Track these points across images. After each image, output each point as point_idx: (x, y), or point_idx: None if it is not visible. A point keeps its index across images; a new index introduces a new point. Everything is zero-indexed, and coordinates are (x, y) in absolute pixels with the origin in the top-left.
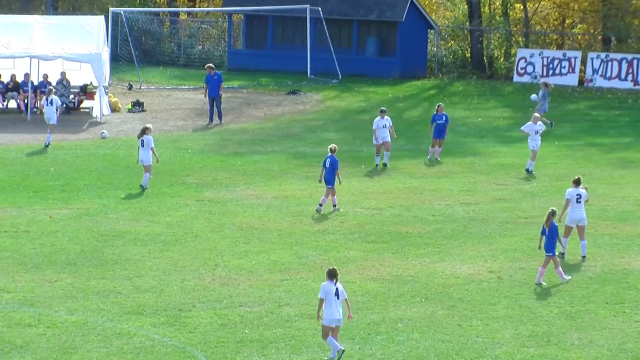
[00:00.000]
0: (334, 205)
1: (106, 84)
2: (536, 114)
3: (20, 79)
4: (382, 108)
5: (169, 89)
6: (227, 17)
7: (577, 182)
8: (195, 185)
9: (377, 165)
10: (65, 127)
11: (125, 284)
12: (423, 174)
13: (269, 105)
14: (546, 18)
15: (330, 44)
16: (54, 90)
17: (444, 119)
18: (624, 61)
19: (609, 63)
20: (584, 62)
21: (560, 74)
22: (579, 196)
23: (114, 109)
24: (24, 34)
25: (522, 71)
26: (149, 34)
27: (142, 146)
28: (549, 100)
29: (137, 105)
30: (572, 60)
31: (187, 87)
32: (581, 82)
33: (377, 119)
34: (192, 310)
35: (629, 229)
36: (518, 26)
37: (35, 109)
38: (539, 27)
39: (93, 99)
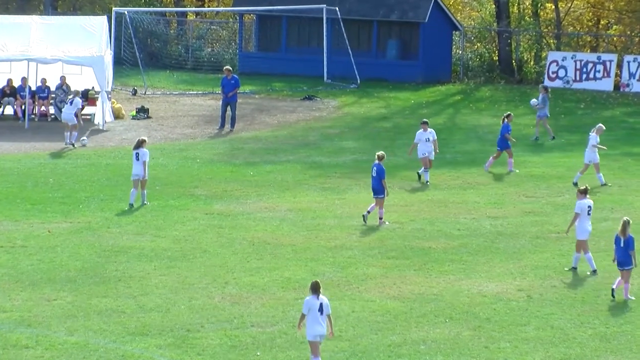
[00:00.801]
0: (380, 219)
1: (109, 89)
2: (600, 125)
3: (17, 83)
4: (424, 120)
5: (176, 95)
6: (238, 17)
7: (585, 192)
8: (204, 197)
9: (426, 181)
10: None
11: (129, 302)
12: (447, 185)
13: (282, 111)
14: (579, 19)
15: (349, 47)
16: (79, 92)
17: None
18: None
19: None
20: (619, 66)
21: (595, 78)
22: (589, 208)
23: (117, 115)
24: (21, 36)
25: (554, 75)
26: (154, 36)
27: (137, 159)
28: (549, 104)
29: (142, 112)
30: (607, 63)
31: (195, 92)
32: (617, 87)
33: (419, 131)
34: (201, 331)
35: None
36: (549, 27)
37: (33, 116)
38: (571, 28)
39: (95, 105)
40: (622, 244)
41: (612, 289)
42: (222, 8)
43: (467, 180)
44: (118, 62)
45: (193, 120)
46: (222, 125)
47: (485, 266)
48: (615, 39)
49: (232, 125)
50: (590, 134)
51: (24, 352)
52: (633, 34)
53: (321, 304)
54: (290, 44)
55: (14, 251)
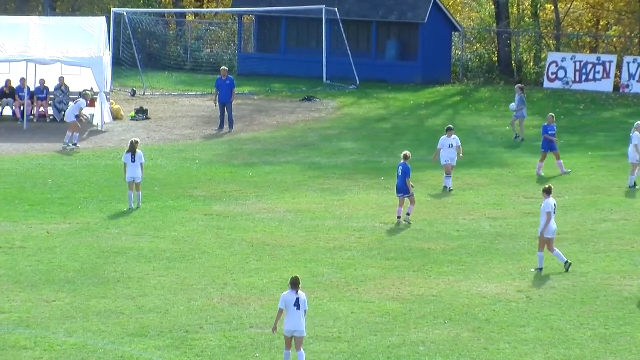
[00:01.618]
0: (407, 215)
1: (108, 90)
2: (638, 123)
3: (16, 84)
4: (449, 126)
5: (175, 96)
6: (237, 18)
7: (549, 192)
8: (203, 198)
9: (449, 189)
10: (64, 136)
11: (128, 303)
12: None
13: (282, 112)
14: (579, 19)
15: (348, 48)
16: (89, 94)
17: (555, 130)
18: None
19: None
20: (619, 67)
21: (594, 79)
22: (555, 207)
23: (116, 116)
24: (20, 37)
25: (553, 76)
26: (153, 37)
27: (133, 162)
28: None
29: (141, 113)
30: (607, 64)
31: (194, 93)
32: (616, 88)
33: (443, 137)
34: (200, 332)
35: None
36: (549, 28)
37: (31, 117)
38: (571, 29)
39: (94, 106)
40: None
41: None
42: (221, 9)
43: (467, 181)
44: (117, 63)
45: (192, 121)
46: (221, 126)
47: (485, 267)
48: (614, 40)
49: (231, 126)
50: (632, 133)
51: (22, 353)
52: (633, 35)
53: (298, 299)
54: (289, 45)
55: (13, 252)
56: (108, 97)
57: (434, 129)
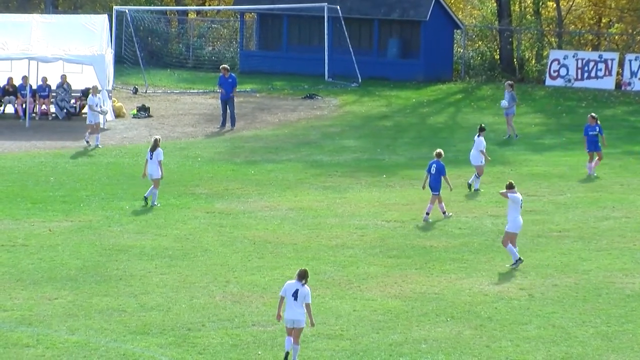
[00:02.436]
0: (444, 212)
1: (110, 88)
2: None
3: (18, 82)
4: (482, 125)
5: (176, 93)
6: (239, 16)
7: (512, 187)
8: (205, 196)
9: (477, 189)
10: (66, 134)
11: (130, 301)
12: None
13: (283, 110)
14: (581, 17)
15: (350, 45)
16: (97, 89)
17: (598, 129)
18: None
19: None
20: (621, 64)
21: (596, 77)
22: (521, 201)
23: (118, 114)
24: (22, 35)
25: (555, 74)
26: (155, 34)
27: (151, 159)
28: (516, 103)
29: (143, 111)
30: (609, 62)
31: (196, 91)
32: (618, 85)
33: (479, 137)
34: (202, 330)
35: None
36: (551, 26)
37: (33, 114)
38: (573, 26)
39: None
40: None
41: None
42: (223, 6)
43: (468, 178)
44: (119, 60)
45: (194, 119)
46: (223, 124)
47: (487, 265)
48: (616, 37)
49: (233, 123)
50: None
51: (24, 351)
52: (635, 32)
53: (297, 291)
54: (291, 43)
55: (15, 250)
56: (110, 94)
57: (435, 127)
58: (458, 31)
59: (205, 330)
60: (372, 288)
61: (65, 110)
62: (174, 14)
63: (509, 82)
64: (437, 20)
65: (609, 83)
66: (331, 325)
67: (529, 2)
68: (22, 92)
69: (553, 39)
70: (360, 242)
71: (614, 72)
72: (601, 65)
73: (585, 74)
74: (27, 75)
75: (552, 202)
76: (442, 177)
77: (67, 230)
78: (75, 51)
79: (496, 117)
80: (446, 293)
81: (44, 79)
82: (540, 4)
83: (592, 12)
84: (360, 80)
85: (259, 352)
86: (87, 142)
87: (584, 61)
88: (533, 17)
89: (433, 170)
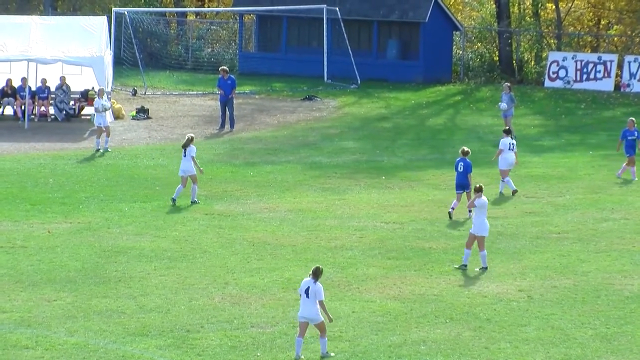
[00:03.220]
0: (470, 211)
1: (109, 90)
2: None
3: (17, 83)
4: (507, 128)
5: (175, 95)
6: (238, 17)
7: (480, 190)
8: (204, 197)
9: (501, 192)
10: (65, 136)
11: (129, 303)
12: (448, 185)
13: (283, 112)
14: (580, 19)
15: (349, 47)
16: (104, 91)
17: (636, 134)
18: None
19: None
20: (620, 66)
21: (595, 78)
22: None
23: (117, 116)
24: (21, 36)
25: (554, 76)
26: (154, 36)
27: (185, 156)
28: (515, 104)
29: (142, 112)
30: (608, 64)
31: (195, 92)
32: (617, 87)
33: (504, 138)
34: (201, 332)
35: None
36: (550, 27)
37: (32, 116)
38: (572, 28)
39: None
40: None
41: None
42: (222, 8)
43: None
44: (118, 62)
45: (193, 121)
46: (222, 125)
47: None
48: (615, 39)
49: (232, 125)
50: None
51: (24, 352)
52: (634, 34)
53: (308, 288)
54: (290, 44)
55: (14, 251)
56: (109, 96)
57: (434, 128)
58: (457, 33)
59: (204, 331)
60: (371, 289)
61: (64, 112)
62: (173, 15)
63: (507, 83)
64: (436, 22)
65: (608, 85)
66: (330, 327)
67: (528, 3)
68: (21, 93)
69: (552, 41)
70: (359, 243)
71: (613, 74)
72: (600, 67)
73: (585, 76)
74: (26, 76)
75: (551, 204)
76: (468, 175)
77: (66, 232)
78: (75, 53)
79: (495, 119)
80: (445, 294)
81: (43, 81)
82: (540, 5)
83: (591, 13)
84: (359, 81)
85: (258, 354)
86: (98, 148)
87: (583, 63)
88: (532, 19)
89: (461, 169)
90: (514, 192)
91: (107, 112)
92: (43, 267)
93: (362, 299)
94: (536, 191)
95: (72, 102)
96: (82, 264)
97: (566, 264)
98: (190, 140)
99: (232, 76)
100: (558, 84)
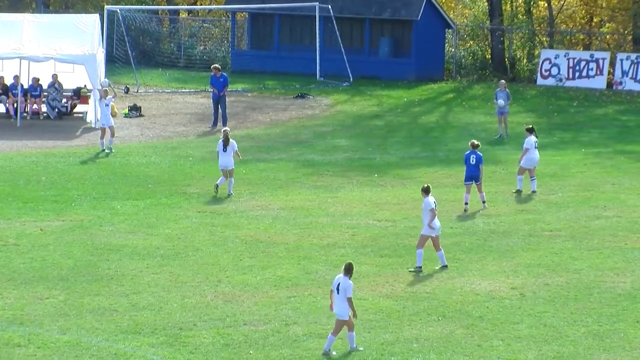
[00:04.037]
0: (484, 202)
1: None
2: None
3: (9, 81)
4: (531, 126)
5: (168, 93)
6: (230, 15)
7: (427, 191)
8: (196, 195)
9: (519, 190)
10: (57, 134)
11: (121, 301)
12: (440, 183)
13: (275, 109)
14: (572, 16)
15: (341, 45)
16: (107, 89)
17: None
18: None
19: None
20: (612, 64)
21: (588, 76)
22: (435, 204)
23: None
24: (13, 34)
25: (547, 73)
26: (147, 34)
27: (225, 151)
28: (510, 102)
29: (134, 110)
30: (600, 61)
31: (187, 90)
32: (610, 85)
33: (530, 137)
34: (193, 330)
35: None
36: (542, 25)
37: (25, 114)
38: (564, 26)
39: (87, 103)
40: None
41: None
42: (214, 6)
43: (460, 178)
44: (110, 60)
45: (185, 119)
46: (215, 123)
47: (478, 264)
48: (608, 36)
49: (224, 123)
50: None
51: (16, 350)
52: (626, 32)
53: (338, 284)
54: (282, 42)
55: (6, 249)
56: (114, 96)
57: (427, 126)
58: (449, 30)
59: (197, 329)
60: (363, 287)
61: (56, 110)
62: (165, 13)
63: (503, 81)
64: (428, 20)
65: (600, 82)
66: (323, 325)
67: (520, 1)
68: (14, 91)
69: (544, 39)
70: (352, 241)
71: (606, 72)
72: (592, 65)
73: (577, 74)
74: (18, 74)
75: (544, 202)
76: (480, 166)
77: (59, 230)
78: (67, 50)
79: (487, 117)
80: (438, 292)
81: (35, 80)
82: (532, 3)
83: (583, 11)
84: (351, 79)
85: (251, 352)
86: (103, 149)
87: (576, 60)
88: (524, 17)
89: (473, 161)
90: (519, 191)
91: (109, 111)
92: (35, 265)
93: (355, 296)
94: (528, 189)
95: (64, 100)
96: (74, 262)
97: (558, 261)
98: (228, 135)
99: (225, 74)
100: (550, 81)
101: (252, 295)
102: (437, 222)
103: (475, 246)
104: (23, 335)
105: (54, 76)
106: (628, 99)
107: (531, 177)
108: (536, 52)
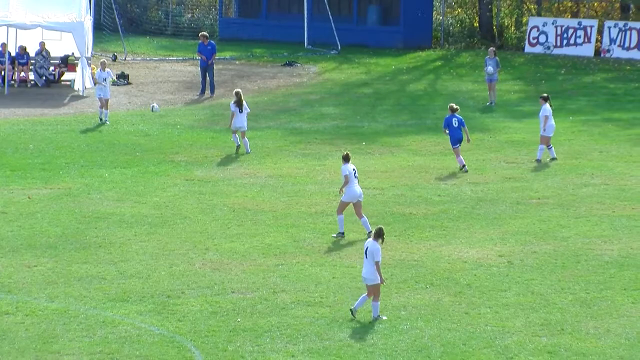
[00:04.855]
0: (465, 164)
1: (89, 55)
2: None
3: None
4: (546, 95)
5: (156, 61)
6: None
7: (347, 159)
8: (184, 163)
9: (539, 160)
10: (45, 101)
11: (109, 269)
12: (428, 151)
13: (263, 77)
14: None
15: (329, 12)
16: (106, 63)
17: None
18: None
19: (628, 32)
20: (600, 32)
21: (575, 44)
22: (355, 171)
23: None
24: (0, 2)
25: (534, 41)
26: (134, 1)
27: (241, 112)
28: (499, 69)
29: (122, 78)
30: (588, 29)
31: (175, 58)
32: (597, 52)
33: (545, 104)
34: (181, 297)
35: None
36: None
37: (12, 82)
38: None
39: (75, 71)
40: None
41: None
42: None
43: (448, 146)
44: (98, 27)
45: (173, 87)
46: (203, 91)
47: (466, 232)
48: (595, 4)
49: (212, 91)
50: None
51: (4, 318)
52: None
53: (367, 248)
54: (270, 10)
55: None
56: (89, 62)
57: (415, 94)
58: None
59: (185, 297)
60: (351, 255)
61: (44, 78)
62: None
63: (492, 48)
64: None
65: (588, 50)
66: (311, 293)
67: None
68: (1, 59)
69: (532, 6)
70: None
71: (593, 39)
72: (580, 32)
73: (565, 41)
74: (5, 42)
75: (531, 169)
76: (463, 129)
77: (47, 198)
78: (54, 18)
79: (475, 84)
80: (425, 260)
81: (22, 47)
82: None
83: None
84: (339, 47)
85: (239, 320)
86: (101, 118)
87: (563, 28)
88: None
89: (455, 124)
90: (539, 161)
91: (108, 83)
92: (23, 233)
93: (343, 264)
94: (516, 157)
95: (52, 68)
96: (62, 230)
97: (546, 229)
98: (241, 97)
99: (212, 42)
100: (538, 49)
101: (240, 263)
102: (357, 189)
103: (463, 214)
104: (11, 303)
105: (42, 44)
106: (616, 66)
107: (548, 146)
108: (524, 20)
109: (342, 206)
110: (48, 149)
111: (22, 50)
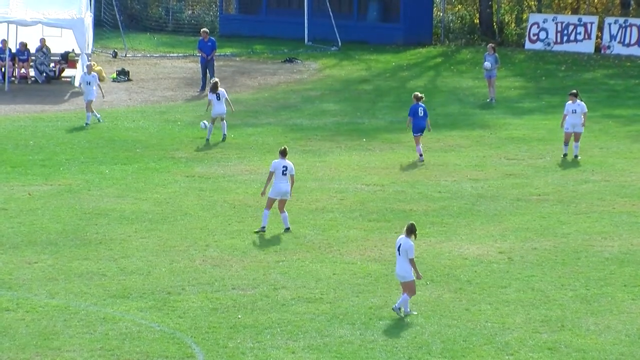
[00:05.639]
0: (421, 155)
1: (89, 52)
2: None
3: None
4: (573, 91)
5: (156, 57)
6: None
7: (283, 154)
8: (184, 160)
9: (565, 155)
10: (45, 98)
11: (110, 265)
12: (428, 147)
13: (263, 74)
14: None
15: (330, 9)
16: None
17: None
18: None
19: (628, 29)
20: (600, 28)
21: (576, 40)
22: (284, 168)
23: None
24: None
25: (535, 38)
26: None
27: (218, 99)
28: (499, 65)
29: (123, 74)
30: (588, 25)
31: (176, 54)
32: (598, 49)
33: (568, 102)
34: (182, 294)
35: None
36: None
37: (13, 78)
38: None
39: (75, 68)
40: None
41: None
42: None
43: (448, 142)
44: (98, 24)
45: (174, 83)
46: (203, 87)
47: (466, 229)
48: (596, 0)
49: None
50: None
51: (4, 315)
52: None
53: (400, 245)
54: (271, 7)
55: None
56: (89, 58)
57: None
58: None
59: (185, 294)
60: (351, 252)
61: (44, 74)
62: None
63: (492, 44)
64: None
65: (588, 47)
66: (311, 289)
67: None
68: (1, 55)
69: (532, 3)
70: (340, 205)
71: (594, 36)
72: (580, 29)
73: (565, 38)
74: (6, 39)
75: (532, 166)
76: (426, 119)
77: (47, 194)
78: (55, 15)
79: (476, 81)
80: (426, 257)
81: (23, 44)
82: None
83: None
84: (340, 44)
85: (239, 316)
86: (96, 117)
87: (564, 25)
88: None
89: (421, 113)
90: (575, 156)
91: (94, 85)
92: (23, 229)
93: (343, 261)
94: (516, 153)
95: (52, 64)
96: (62, 226)
97: (546, 225)
98: (217, 85)
99: (213, 38)
100: (538, 45)
101: (240, 259)
102: (282, 187)
103: (463, 210)
104: (12, 299)
105: (42, 40)
106: (616, 63)
107: (575, 142)
108: (524, 16)
109: (269, 202)
110: (48, 146)
111: (23, 47)
